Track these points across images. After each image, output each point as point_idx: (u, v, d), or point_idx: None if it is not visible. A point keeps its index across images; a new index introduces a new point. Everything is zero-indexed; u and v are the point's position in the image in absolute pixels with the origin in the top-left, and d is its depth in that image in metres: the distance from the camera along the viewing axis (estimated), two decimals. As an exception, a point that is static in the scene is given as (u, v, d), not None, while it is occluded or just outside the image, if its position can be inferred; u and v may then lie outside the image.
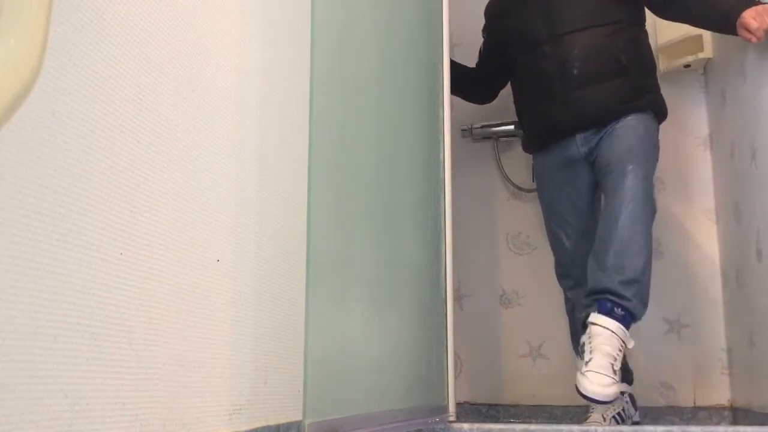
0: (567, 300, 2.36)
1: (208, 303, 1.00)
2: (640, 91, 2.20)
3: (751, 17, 1.99)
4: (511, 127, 2.83)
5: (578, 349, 2.25)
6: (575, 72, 2.20)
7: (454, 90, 2.51)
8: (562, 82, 2.21)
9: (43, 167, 0.69)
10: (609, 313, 1.91)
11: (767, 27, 1.98)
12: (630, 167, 2.05)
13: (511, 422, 2.21)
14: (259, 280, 1.14)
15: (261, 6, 1.20)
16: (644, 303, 1.96)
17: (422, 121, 1.81)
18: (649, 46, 2.29)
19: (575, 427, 1.88)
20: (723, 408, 2.51)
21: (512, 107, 2.88)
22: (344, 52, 1.39)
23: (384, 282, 1.49)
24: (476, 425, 1.80)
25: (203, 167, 1.00)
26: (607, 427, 2.00)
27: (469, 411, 2.65)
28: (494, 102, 2.87)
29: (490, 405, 2.70)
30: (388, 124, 1.57)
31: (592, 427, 1.89)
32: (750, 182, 2.21)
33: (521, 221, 2.82)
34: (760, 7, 2.01)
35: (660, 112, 2.25)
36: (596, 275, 1.99)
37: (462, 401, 2.62)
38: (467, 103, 2.81)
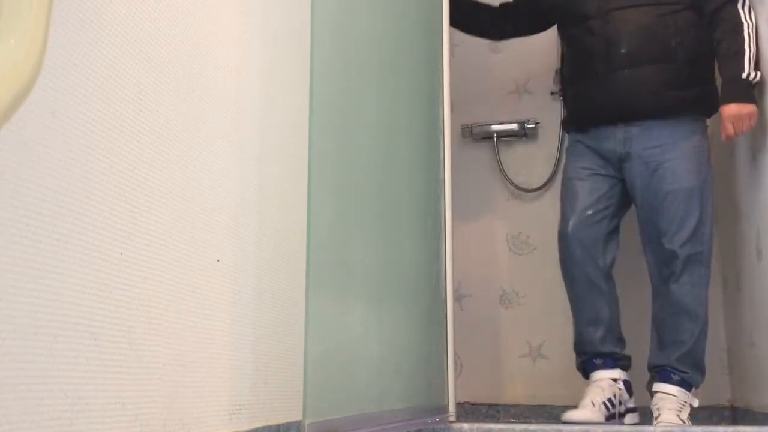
0: (564, 269, 2.31)
1: (208, 303, 1.00)
2: (689, 81, 2.14)
3: (730, 121, 2.05)
4: (511, 126, 2.83)
5: (576, 335, 2.25)
6: (623, 51, 2.15)
7: (472, 30, 2.50)
8: (605, 62, 2.17)
9: (43, 167, 0.69)
10: (668, 381, 2.11)
11: (741, 132, 2.06)
12: (681, 240, 2.10)
13: (511, 422, 2.21)
14: (259, 280, 1.14)
15: (261, 6, 1.20)
16: (700, 370, 2.14)
17: (422, 120, 1.81)
18: (706, 33, 2.18)
19: (575, 428, 1.88)
20: (723, 408, 2.51)
21: (512, 107, 2.88)
22: (344, 52, 1.39)
23: (384, 282, 1.49)
24: (476, 425, 1.80)
25: (203, 167, 1.00)
26: (606, 427, 2.00)
27: (469, 411, 2.65)
28: (494, 102, 2.88)
29: (490, 405, 2.70)
30: (388, 124, 1.57)
31: (592, 428, 1.90)
32: (750, 182, 2.21)
33: (521, 221, 2.81)
34: (744, 110, 2.03)
35: (709, 108, 2.19)
36: (655, 351, 2.17)
37: (462, 401, 2.62)
38: (467, 103, 2.81)
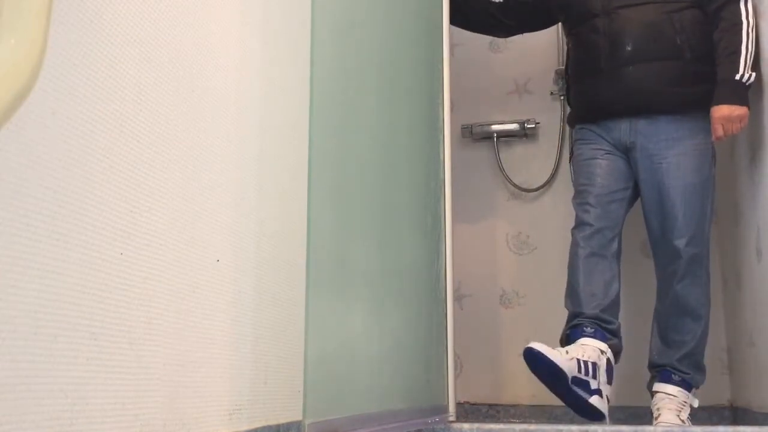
0: (576, 246, 2.21)
1: (208, 303, 1.00)
2: (694, 79, 2.14)
3: (720, 123, 2.04)
4: (511, 126, 2.83)
5: (568, 305, 2.17)
6: (628, 48, 2.16)
7: (476, 27, 2.51)
8: (610, 59, 2.18)
9: (43, 167, 0.69)
10: (669, 381, 2.11)
11: (731, 134, 2.06)
12: (684, 238, 2.10)
13: (511, 422, 2.21)
14: (259, 280, 1.14)
15: (261, 6, 1.20)
16: (700, 370, 2.16)
17: (422, 120, 1.81)
18: (711, 31, 2.17)
19: (575, 427, 1.88)
20: (723, 408, 2.51)
21: (512, 107, 2.88)
22: (344, 52, 1.39)
23: (384, 282, 1.49)
24: (476, 425, 1.80)
25: (203, 167, 1.00)
26: (607, 427, 2.00)
27: (469, 411, 2.65)
28: (494, 102, 2.88)
29: (490, 405, 2.70)
30: (388, 124, 1.57)
31: (592, 427, 1.89)
32: (749, 182, 2.21)
33: (521, 221, 2.81)
34: (735, 112, 2.03)
35: None
36: (656, 350, 2.18)
37: (462, 401, 2.62)
38: (467, 103, 2.81)
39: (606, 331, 2.07)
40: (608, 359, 2.05)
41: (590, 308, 2.09)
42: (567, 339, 2.12)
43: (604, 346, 2.04)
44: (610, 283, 2.13)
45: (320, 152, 1.25)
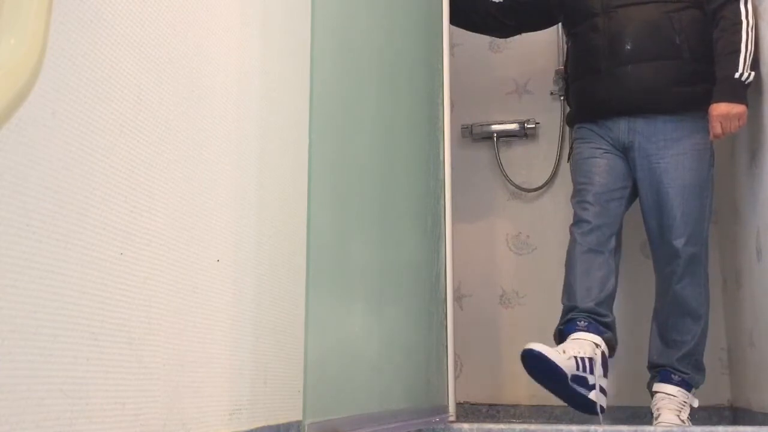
0: (574, 243, 2.20)
1: (209, 303, 1.00)
2: (693, 78, 2.14)
3: (718, 121, 2.04)
4: (511, 126, 2.83)
5: (564, 300, 2.15)
6: (627, 48, 2.17)
7: (476, 27, 2.50)
8: (609, 58, 2.18)
9: (43, 167, 0.69)
10: (668, 381, 2.12)
11: (729, 132, 2.06)
12: (682, 238, 2.11)
13: (511, 422, 2.21)
14: (259, 280, 1.14)
15: (261, 5, 1.20)
16: (700, 370, 2.16)
17: (422, 120, 1.81)
18: (710, 30, 2.17)
19: (574, 427, 1.88)
20: (723, 408, 2.51)
21: (512, 107, 2.87)
22: (344, 51, 1.39)
23: (384, 282, 1.49)
24: (476, 425, 1.80)
25: (203, 167, 1.00)
26: (607, 427, 1.99)
27: (469, 411, 2.65)
28: (494, 102, 2.88)
29: (490, 405, 2.70)
30: (389, 124, 1.57)
31: (592, 427, 1.89)
32: (749, 182, 2.21)
33: (521, 221, 2.81)
34: (734, 110, 2.03)
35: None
36: (655, 350, 2.18)
37: (462, 401, 2.62)
38: (467, 103, 2.81)
39: (600, 324, 2.07)
40: (603, 352, 2.05)
41: (585, 302, 2.09)
42: (560, 334, 2.12)
43: (598, 339, 2.04)
44: (607, 278, 2.13)
45: (320, 152, 1.25)
